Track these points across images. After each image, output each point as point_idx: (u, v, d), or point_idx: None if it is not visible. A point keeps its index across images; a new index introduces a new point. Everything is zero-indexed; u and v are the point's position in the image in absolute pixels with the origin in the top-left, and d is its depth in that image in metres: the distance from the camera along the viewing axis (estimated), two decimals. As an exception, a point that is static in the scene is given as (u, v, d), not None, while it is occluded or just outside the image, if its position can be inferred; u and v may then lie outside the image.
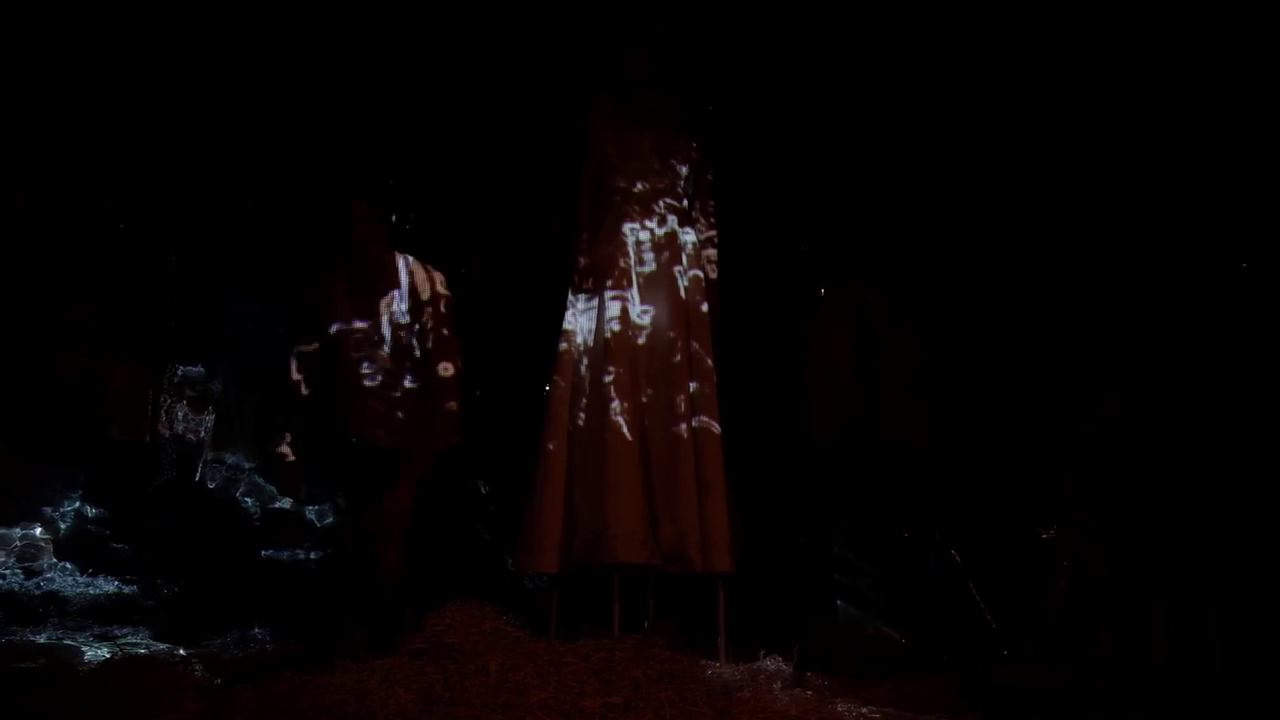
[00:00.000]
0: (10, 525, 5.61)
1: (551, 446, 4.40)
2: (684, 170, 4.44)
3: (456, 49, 5.30)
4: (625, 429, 4.27)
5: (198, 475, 5.51)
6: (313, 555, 5.55)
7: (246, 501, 5.58)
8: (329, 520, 5.69)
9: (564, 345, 4.50)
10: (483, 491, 5.28)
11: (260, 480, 5.72)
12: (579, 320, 4.49)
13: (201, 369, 5.59)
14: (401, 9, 5.29)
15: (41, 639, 4.78)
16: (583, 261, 4.44)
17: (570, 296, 4.50)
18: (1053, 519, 4.32)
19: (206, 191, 5.65)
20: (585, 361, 4.45)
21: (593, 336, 4.44)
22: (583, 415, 4.39)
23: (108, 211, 5.38)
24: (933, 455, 4.45)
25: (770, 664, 4.04)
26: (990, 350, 4.73)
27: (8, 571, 5.46)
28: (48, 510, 5.65)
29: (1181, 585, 3.96)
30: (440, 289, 4.29)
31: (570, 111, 4.62)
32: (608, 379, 4.32)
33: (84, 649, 4.63)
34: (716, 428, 4.33)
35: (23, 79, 5.25)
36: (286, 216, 5.59)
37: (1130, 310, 4.38)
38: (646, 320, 4.40)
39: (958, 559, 4.28)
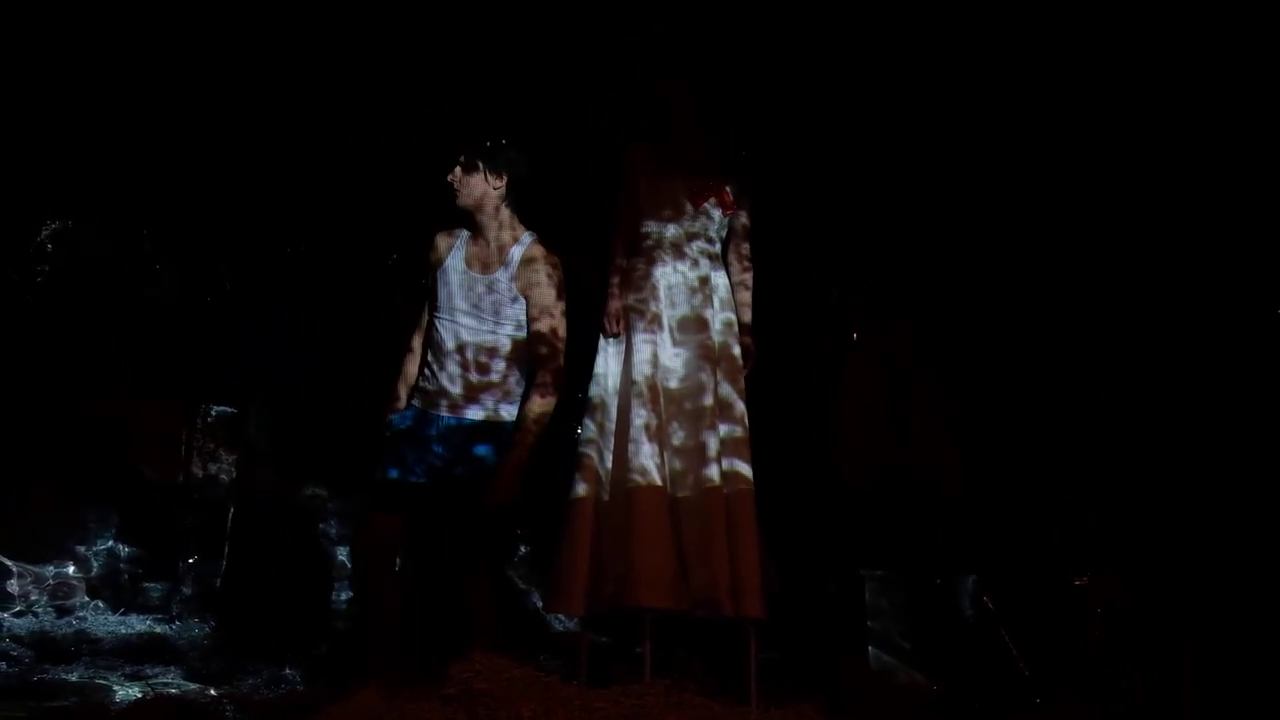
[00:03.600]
0: (43, 564, 5.60)
1: (581, 490, 4.34)
2: (717, 215, 4.42)
3: (497, 106, 5.27)
4: (654, 473, 4.21)
5: (230, 515, 5.48)
6: (343, 596, 5.50)
7: (278, 541, 5.54)
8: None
9: (594, 389, 4.45)
10: (518, 532, 5.24)
11: (294, 519, 5.70)
12: (609, 364, 4.44)
13: (233, 410, 5.56)
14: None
15: (73, 678, 4.73)
16: (614, 306, 4.41)
17: (601, 341, 4.46)
18: (1086, 564, 4.24)
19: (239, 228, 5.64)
20: (615, 405, 4.39)
21: (622, 380, 4.39)
22: (611, 459, 4.33)
23: (145, 254, 5.38)
24: (965, 500, 4.38)
25: (806, 709, 3.85)
26: (1021, 392, 4.65)
27: (40, 610, 5.44)
28: (80, 549, 5.62)
29: (1209, 624, 3.88)
30: None
31: (603, 159, 4.61)
32: (638, 422, 4.27)
33: (115, 688, 4.60)
34: (748, 471, 4.26)
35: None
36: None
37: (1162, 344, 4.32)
38: (678, 364, 4.35)
39: (990, 605, 4.20)
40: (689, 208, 4.34)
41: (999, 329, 4.66)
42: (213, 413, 5.44)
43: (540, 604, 4.86)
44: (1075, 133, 4.63)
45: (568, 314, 3.97)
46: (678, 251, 4.36)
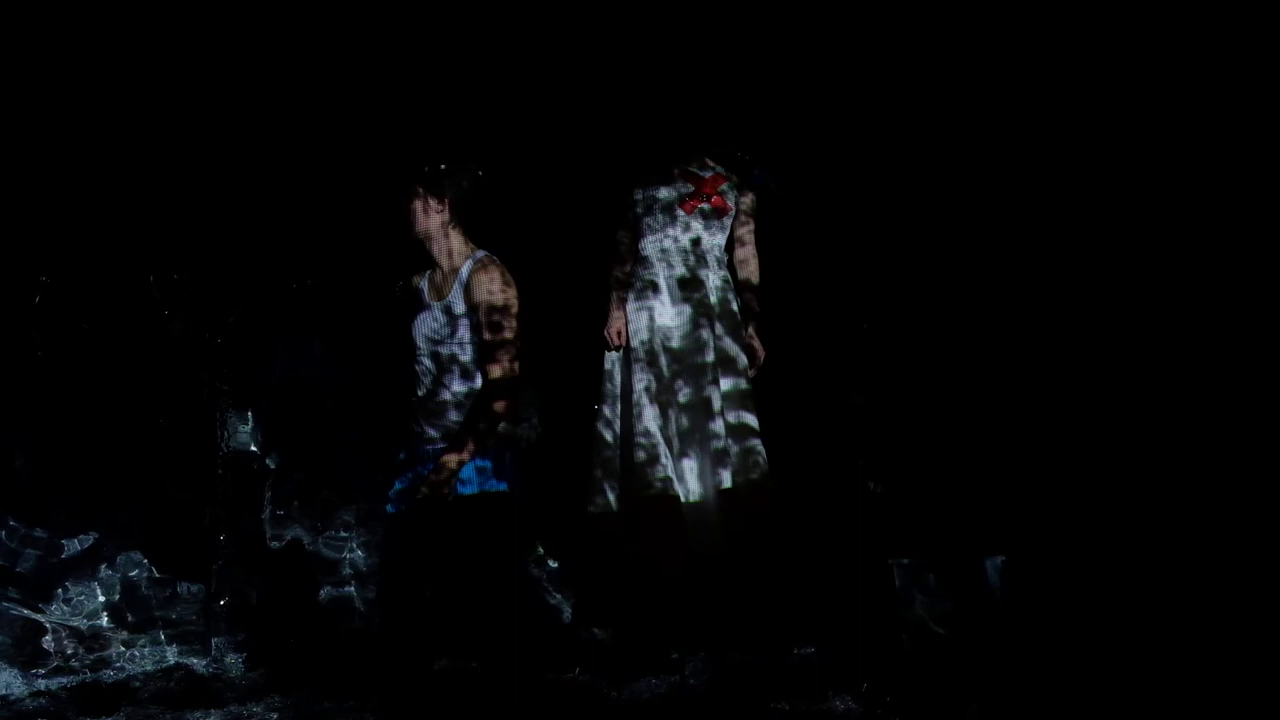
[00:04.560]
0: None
1: (603, 508, 4.42)
2: (725, 219, 4.46)
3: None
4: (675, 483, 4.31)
5: (257, 552, 5.45)
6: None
7: (306, 573, 5.52)
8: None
9: (606, 408, 4.53)
10: (540, 551, 5.23)
11: (321, 552, 5.67)
12: (622, 378, 4.52)
13: (256, 447, 5.55)
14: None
15: None
16: (621, 329, 4.48)
17: (607, 362, 4.52)
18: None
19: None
20: (628, 418, 4.46)
21: (635, 393, 4.47)
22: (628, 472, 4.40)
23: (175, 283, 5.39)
24: (991, 487, 4.36)
25: (839, 703, 3.93)
26: (1051, 378, 4.61)
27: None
28: (105, 571, 5.63)
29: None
30: None
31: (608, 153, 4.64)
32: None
33: None
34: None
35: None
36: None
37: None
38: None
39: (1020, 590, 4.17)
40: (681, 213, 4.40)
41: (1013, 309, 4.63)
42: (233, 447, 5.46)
43: (573, 615, 4.87)
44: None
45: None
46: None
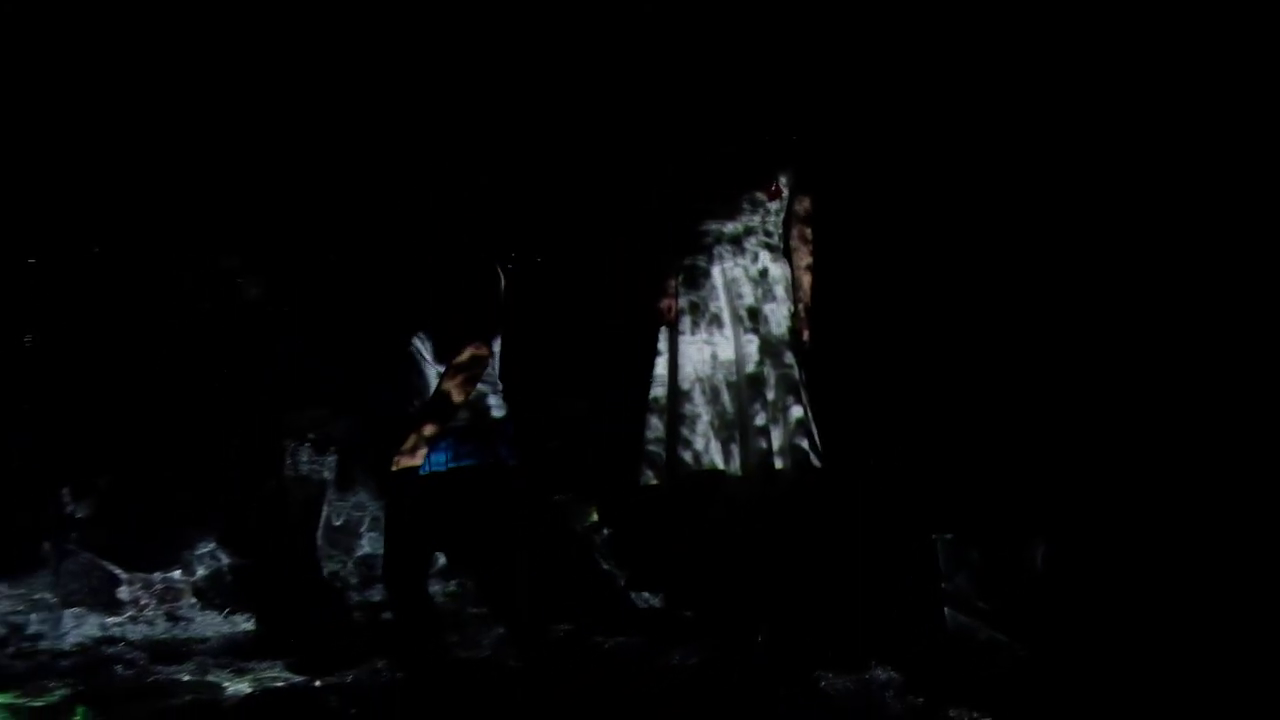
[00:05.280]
0: (150, 571, 5.85)
1: (654, 481, 4.58)
2: (774, 206, 4.57)
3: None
4: (719, 460, 4.45)
5: (323, 515, 5.70)
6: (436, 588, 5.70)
7: (370, 537, 5.76)
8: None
9: (657, 390, 4.68)
10: (594, 518, 5.44)
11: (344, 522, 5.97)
12: (672, 361, 4.67)
13: (324, 410, 5.78)
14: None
15: (185, 677, 4.92)
16: (672, 305, 4.60)
17: (660, 343, 4.67)
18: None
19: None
20: (679, 402, 4.61)
21: (686, 376, 4.60)
22: (681, 450, 4.55)
23: (230, 269, 5.62)
24: (1031, 466, 4.48)
25: (881, 673, 4.09)
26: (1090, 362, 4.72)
27: (151, 615, 5.69)
28: (186, 554, 5.87)
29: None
30: None
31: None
32: (706, 417, 4.50)
33: (225, 685, 4.78)
34: (806, 445, 4.50)
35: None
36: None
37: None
38: (733, 354, 4.56)
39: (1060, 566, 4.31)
40: (744, 202, 4.53)
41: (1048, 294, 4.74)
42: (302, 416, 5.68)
43: (626, 583, 5.09)
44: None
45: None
46: (737, 246, 4.54)
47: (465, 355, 4.03)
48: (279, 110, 5.47)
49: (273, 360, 5.81)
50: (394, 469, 4.02)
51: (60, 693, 4.68)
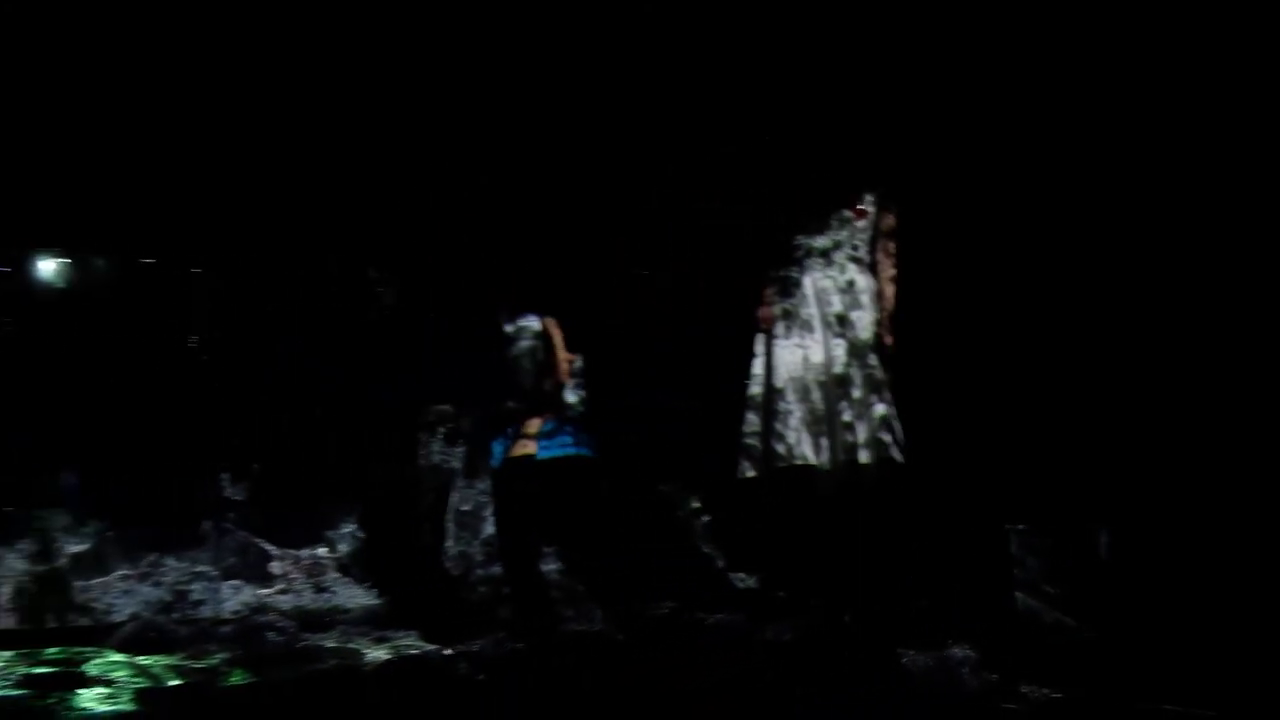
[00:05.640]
0: (299, 547, 6.39)
1: (751, 473, 4.95)
2: (861, 223, 4.89)
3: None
4: (810, 454, 4.81)
5: (451, 501, 6.16)
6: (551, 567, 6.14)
7: (493, 521, 6.18)
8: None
9: (754, 389, 5.04)
10: (696, 506, 5.82)
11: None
12: (767, 363, 5.01)
13: (451, 407, 6.23)
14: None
15: (330, 643, 5.35)
16: (768, 312, 4.96)
17: (758, 346, 5.02)
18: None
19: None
20: (774, 400, 4.96)
21: (780, 376, 4.95)
22: (775, 444, 4.90)
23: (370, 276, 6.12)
24: (1097, 461, 4.72)
25: (958, 651, 4.30)
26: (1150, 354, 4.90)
27: (299, 586, 6.21)
28: (329, 533, 6.40)
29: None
30: None
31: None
32: (798, 414, 4.85)
33: (365, 651, 5.18)
34: (890, 439, 4.81)
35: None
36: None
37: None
38: (823, 357, 4.89)
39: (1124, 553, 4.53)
40: (834, 218, 4.86)
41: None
42: (434, 410, 6.13)
43: (724, 565, 5.48)
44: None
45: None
46: (826, 259, 4.88)
47: (565, 358, 4.47)
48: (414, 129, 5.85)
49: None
50: (510, 456, 4.44)
51: (219, 656, 5.13)
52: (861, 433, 4.84)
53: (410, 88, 5.64)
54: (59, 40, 5.20)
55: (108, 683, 4.56)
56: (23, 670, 4.80)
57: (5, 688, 4.45)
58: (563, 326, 4.82)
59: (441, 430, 6.11)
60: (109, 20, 5.16)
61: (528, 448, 4.61)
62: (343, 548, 6.41)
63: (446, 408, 6.13)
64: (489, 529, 6.08)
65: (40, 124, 5.51)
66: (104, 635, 5.60)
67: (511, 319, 5.02)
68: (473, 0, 5.58)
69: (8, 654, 5.21)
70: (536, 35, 5.60)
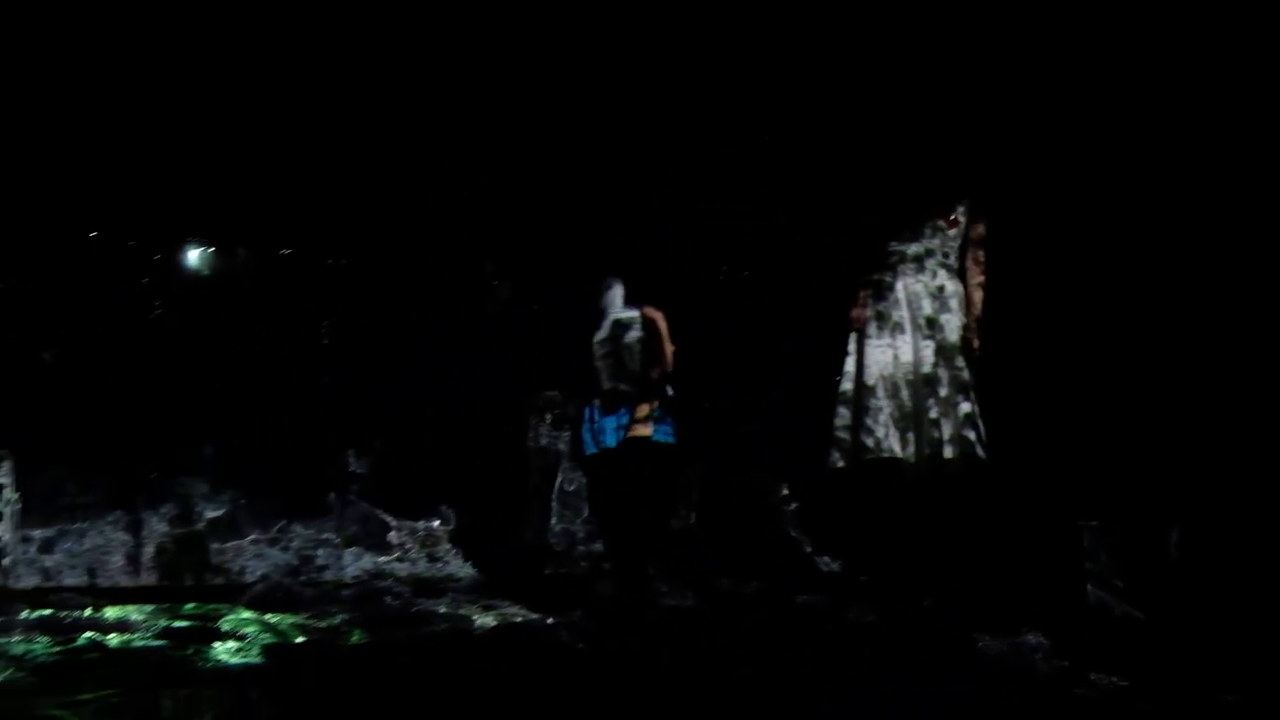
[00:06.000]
0: (415, 519, 6.75)
1: (841, 464, 5.20)
2: (952, 232, 5.10)
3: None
4: (897, 448, 5.04)
5: (557, 481, 6.49)
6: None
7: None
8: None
9: (845, 385, 5.28)
10: (785, 493, 6.08)
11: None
12: (859, 361, 5.26)
13: (558, 393, 6.56)
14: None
15: (442, 609, 5.61)
16: (861, 314, 5.20)
17: (850, 345, 5.26)
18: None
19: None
20: (864, 396, 5.20)
21: (871, 374, 5.18)
22: (865, 438, 5.15)
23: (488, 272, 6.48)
24: (1167, 464, 4.88)
25: (1031, 638, 4.51)
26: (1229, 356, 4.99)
27: (415, 555, 6.56)
28: (444, 508, 6.77)
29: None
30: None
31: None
32: (887, 410, 5.08)
33: (474, 617, 5.41)
34: (973, 436, 5.01)
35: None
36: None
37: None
38: (912, 357, 5.11)
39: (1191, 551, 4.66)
40: (927, 228, 5.08)
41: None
42: (542, 396, 6.47)
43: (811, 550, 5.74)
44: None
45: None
46: (919, 265, 5.10)
47: (669, 349, 4.78)
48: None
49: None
50: (629, 436, 4.75)
51: (340, 617, 5.38)
52: (947, 429, 5.04)
53: (522, 104, 5.93)
54: (216, 51, 5.58)
55: (239, 637, 4.81)
56: (163, 623, 5.10)
57: (147, 639, 4.74)
58: (667, 320, 5.08)
59: (549, 415, 6.40)
60: (270, 30, 5.50)
61: (644, 430, 4.89)
62: (455, 521, 6.76)
63: (554, 394, 6.43)
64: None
65: (193, 125, 5.93)
66: (236, 594, 5.91)
67: (620, 311, 5.25)
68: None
69: (150, 608, 5.52)
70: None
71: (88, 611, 5.34)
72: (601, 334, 5.18)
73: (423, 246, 6.59)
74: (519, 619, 5.38)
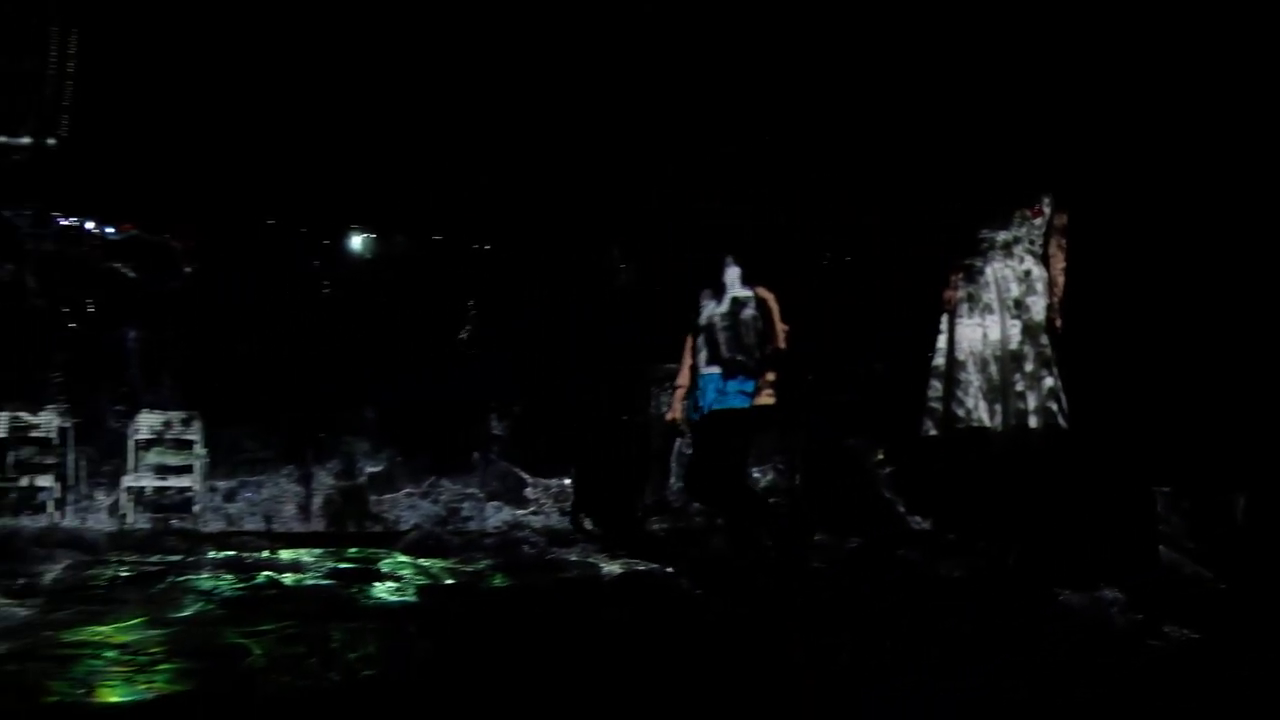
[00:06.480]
0: (549, 477, 7.27)
1: (933, 432, 5.58)
2: (1038, 221, 5.41)
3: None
4: (985, 418, 5.39)
5: (676, 444, 6.96)
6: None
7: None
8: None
9: (938, 360, 5.63)
10: (880, 458, 6.45)
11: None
12: (950, 338, 5.61)
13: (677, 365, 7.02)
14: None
15: (573, 557, 6.03)
16: (953, 295, 5.55)
17: (942, 324, 5.61)
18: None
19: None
20: (955, 370, 5.55)
21: (962, 350, 5.54)
22: (956, 408, 5.52)
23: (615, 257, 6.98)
24: (1236, 433, 5.07)
25: (1108, 593, 4.63)
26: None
27: (548, 509, 7.07)
28: (573, 467, 7.31)
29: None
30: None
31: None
32: (976, 383, 5.42)
33: (601, 565, 5.79)
34: (1057, 407, 5.34)
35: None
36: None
37: None
38: (1000, 335, 5.45)
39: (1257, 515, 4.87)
40: (1016, 217, 5.39)
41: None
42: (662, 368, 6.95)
43: (904, 509, 6.12)
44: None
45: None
46: (1007, 251, 5.42)
47: (782, 327, 5.20)
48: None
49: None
50: (756, 402, 5.17)
51: (484, 562, 5.82)
52: (1031, 401, 5.36)
53: (649, 103, 6.37)
54: (375, 70, 6.20)
55: (396, 578, 5.21)
56: (330, 565, 5.58)
57: (317, 578, 5.21)
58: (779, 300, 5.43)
59: (669, 384, 6.87)
60: (419, 52, 6.09)
61: (769, 398, 5.26)
62: (584, 479, 7.14)
63: (674, 366, 6.88)
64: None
65: (357, 128, 6.58)
66: (393, 540, 6.41)
67: (738, 289, 5.57)
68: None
69: (318, 551, 6.07)
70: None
71: (265, 553, 5.87)
72: (722, 308, 5.45)
73: (558, 233, 7.10)
74: (641, 568, 5.67)
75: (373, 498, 7.41)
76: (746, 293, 5.49)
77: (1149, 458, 5.26)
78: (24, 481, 7.08)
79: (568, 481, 7.26)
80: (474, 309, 7.25)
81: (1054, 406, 5.35)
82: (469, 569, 5.66)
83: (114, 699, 3.14)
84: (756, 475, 7.16)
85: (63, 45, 6.70)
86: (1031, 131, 5.49)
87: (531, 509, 7.32)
